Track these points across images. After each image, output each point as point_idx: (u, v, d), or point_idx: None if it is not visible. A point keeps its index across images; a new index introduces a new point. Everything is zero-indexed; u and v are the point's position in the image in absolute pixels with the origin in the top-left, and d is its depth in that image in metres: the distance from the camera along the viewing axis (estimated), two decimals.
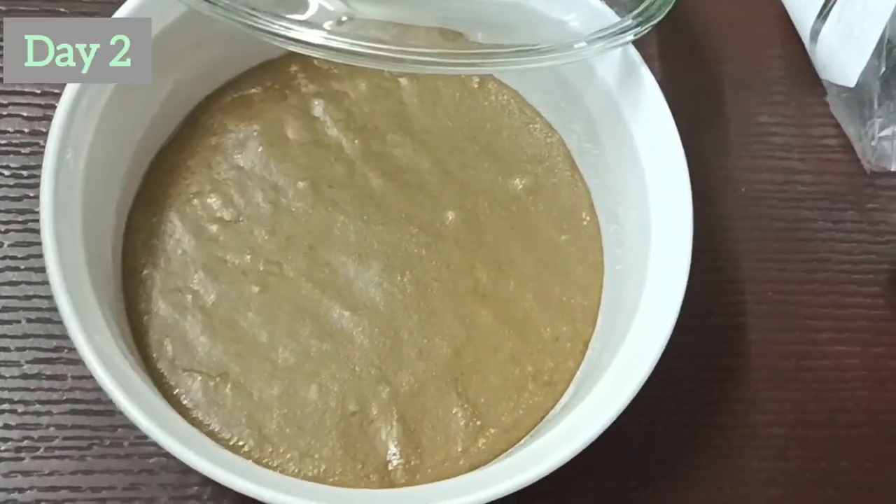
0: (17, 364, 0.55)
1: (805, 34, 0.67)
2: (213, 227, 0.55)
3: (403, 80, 0.61)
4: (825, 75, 0.66)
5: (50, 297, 0.54)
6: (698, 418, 0.59)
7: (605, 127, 0.56)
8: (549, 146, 0.60)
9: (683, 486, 0.57)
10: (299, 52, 0.50)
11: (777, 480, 0.58)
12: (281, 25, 0.48)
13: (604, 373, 0.50)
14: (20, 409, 0.54)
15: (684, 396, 0.59)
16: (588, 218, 0.59)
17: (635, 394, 0.48)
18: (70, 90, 0.49)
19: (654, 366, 0.48)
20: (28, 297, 0.56)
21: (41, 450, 0.53)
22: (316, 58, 0.59)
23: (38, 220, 0.56)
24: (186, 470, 0.53)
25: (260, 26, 0.48)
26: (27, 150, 0.59)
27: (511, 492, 0.46)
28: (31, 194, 0.58)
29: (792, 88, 0.68)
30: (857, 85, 0.63)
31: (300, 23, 0.49)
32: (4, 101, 0.60)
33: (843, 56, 0.64)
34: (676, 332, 0.49)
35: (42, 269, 0.55)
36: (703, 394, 0.59)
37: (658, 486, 0.57)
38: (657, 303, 0.51)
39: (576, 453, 0.47)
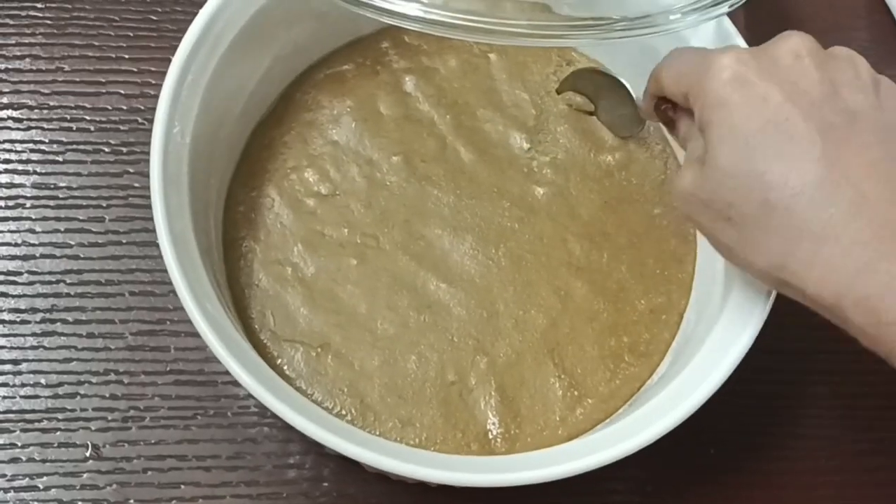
0: (121, 336, 0.56)
1: (893, 3, 0.66)
2: (311, 201, 0.56)
3: (492, 56, 0.61)
4: None
5: (152, 271, 0.57)
6: (792, 389, 0.59)
7: None
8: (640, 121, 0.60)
9: (775, 455, 0.58)
10: (396, 24, 0.50)
11: (873, 451, 0.58)
12: None
13: (701, 344, 0.50)
14: (126, 379, 0.55)
15: (777, 367, 0.59)
16: None
17: (735, 366, 0.48)
18: (176, 65, 0.50)
19: (751, 342, 0.48)
20: (131, 271, 0.57)
21: (147, 419, 0.55)
22: (406, 35, 0.60)
23: (138, 196, 0.58)
24: (288, 439, 0.55)
25: None
26: (126, 126, 0.60)
27: (613, 461, 0.46)
28: (132, 170, 0.59)
29: (878, 59, 0.67)
30: None
31: None
32: (102, 80, 0.61)
33: None
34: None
35: (144, 244, 0.57)
36: (797, 365, 0.59)
37: (748, 455, 0.58)
38: None
39: (676, 424, 0.47)
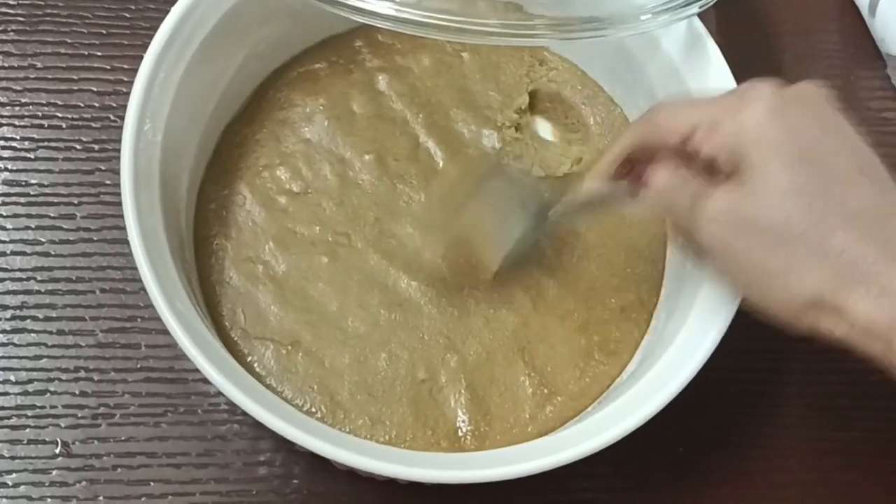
0: (92, 333, 0.56)
1: (863, 7, 0.67)
2: (283, 199, 0.56)
3: (466, 55, 0.61)
4: (885, 47, 0.66)
5: (123, 269, 0.57)
6: (763, 388, 0.59)
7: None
8: (611, 120, 0.61)
9: (744, 454, 0.58)
10: (369, 23, 0.50)
11: (843, 450, 0.58)
12: None
13: (670, 343, 0.50)
14: (96, 377, 0.55)
15: (747, 366, 0.59)
16: None
17: (701, 365, 0.48)
18: (147, 62, 0.50)
19: (719, 338, 0.49)
20: (102, 268, 0.57)
21: (117, 416, 0.55)
22: (380, 33, 0.61)
23: (110, 193, 0.58)
24: (258, 437, 0.55)
25: None
26: (98, 124, 0.60)
27: (581, 457, 0.46)
28: (103, 167, 0.59)
29: (848, 61, 0.68)
30: None
31: None
32: (74, 77, 0.61)
33: None
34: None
35: (115, 241, 0.57)
36: (767, 364, 0.60)
37: (717, 454, 0.58)
38: None
39: (643, 422, 0.47)
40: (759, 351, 0.60)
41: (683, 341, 0.50)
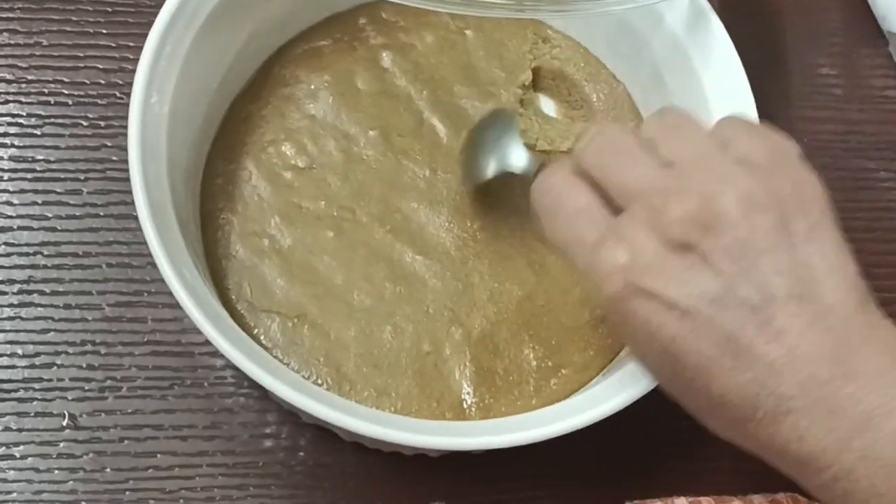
0: (98, 307, 0.56)
1: None
2: (288, 174, 0.56)
3: (469, 33, 0.62)
4: (886, 25, 0.66)
5: (129, 244, 0.57)
6: None
7: (672, 75, 0.57)
8: (614, 96, 0.61)
9: None
10: None
11: None
12: None
13: None
14: (103, 350, 0.55)
15: None
16: None
17: None
18: (154, 35, 0.50)
19: None
20: (108, 243, 0.57)
21: (124, 389, 0.55)
22: (384, 10, 0.61)
23: (116, 169, 0.58)
24: (264, 409, 0.55)
25: None
26: (104, 101, 0.60)
27: (585, 426, 0.47)
28: (109, 144, 0.59)
29: (850, 39, 0.69)
30: None
31: None
32: (80, 54, 0.61)
33: None
34: None
35: (121, 216, 0.57)
36: None
37: None
38: None
39: (645, 392, 0.47)
40: None
41: None
